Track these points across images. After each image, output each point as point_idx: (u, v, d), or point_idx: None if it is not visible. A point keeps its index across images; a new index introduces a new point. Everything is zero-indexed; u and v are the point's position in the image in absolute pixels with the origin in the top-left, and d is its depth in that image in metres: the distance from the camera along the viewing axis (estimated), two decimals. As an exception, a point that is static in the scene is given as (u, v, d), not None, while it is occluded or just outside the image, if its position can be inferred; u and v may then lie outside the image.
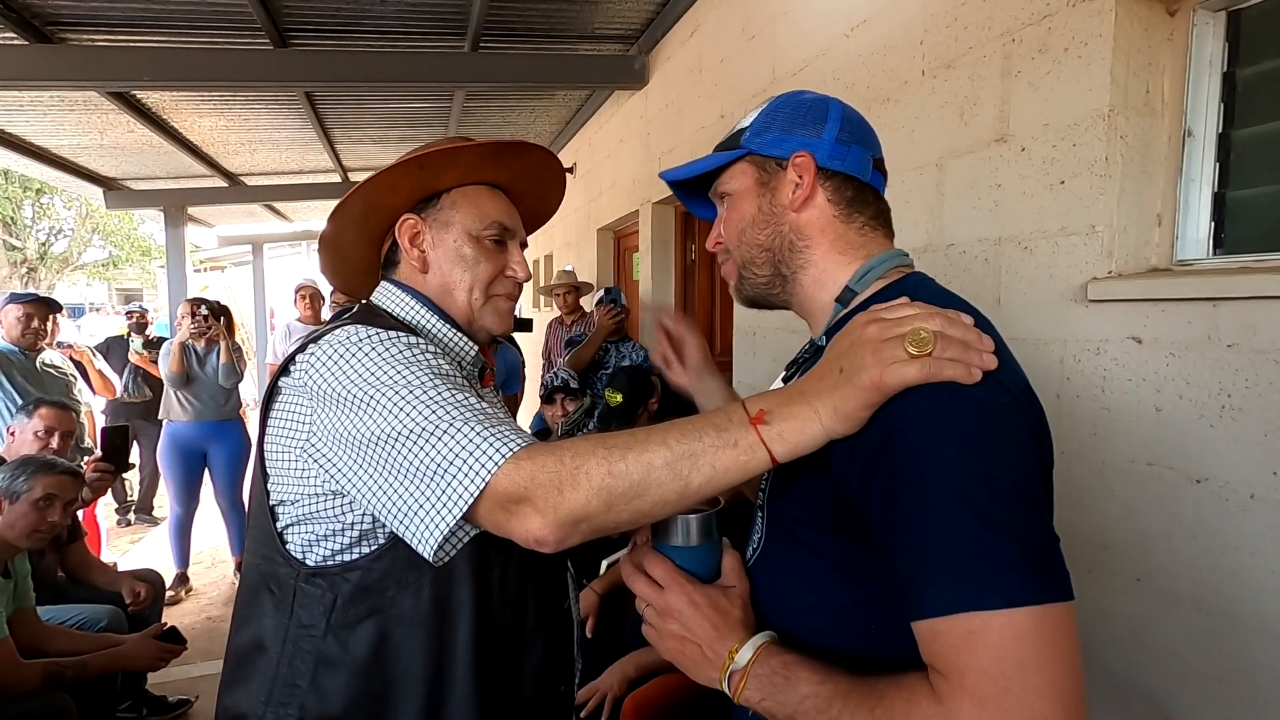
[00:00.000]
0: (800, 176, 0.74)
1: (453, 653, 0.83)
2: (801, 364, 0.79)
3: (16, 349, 3.32)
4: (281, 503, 0.82)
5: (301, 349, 0.83)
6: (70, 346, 3.94)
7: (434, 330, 0.93)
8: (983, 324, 0.64)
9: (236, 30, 3.18)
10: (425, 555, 0.70)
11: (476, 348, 0.95)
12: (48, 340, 3.62)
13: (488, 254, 0.94)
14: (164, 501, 4.81)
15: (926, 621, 0.56)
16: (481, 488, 0.66)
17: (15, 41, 2.96)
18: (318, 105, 4.31)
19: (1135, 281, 1.29)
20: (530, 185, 1.01)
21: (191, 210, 6.84)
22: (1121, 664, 1.32)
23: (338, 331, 0.81)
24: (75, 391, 3.54)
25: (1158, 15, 1.34)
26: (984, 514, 0.54)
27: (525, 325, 3.57)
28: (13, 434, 2.70)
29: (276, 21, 3.10)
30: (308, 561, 0.83)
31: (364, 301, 0.98)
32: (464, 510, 0.67)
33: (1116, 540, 1.32)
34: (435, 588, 0.82)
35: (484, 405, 0.74)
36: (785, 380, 0.82)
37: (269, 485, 0.83)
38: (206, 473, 3.94)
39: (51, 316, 3.46)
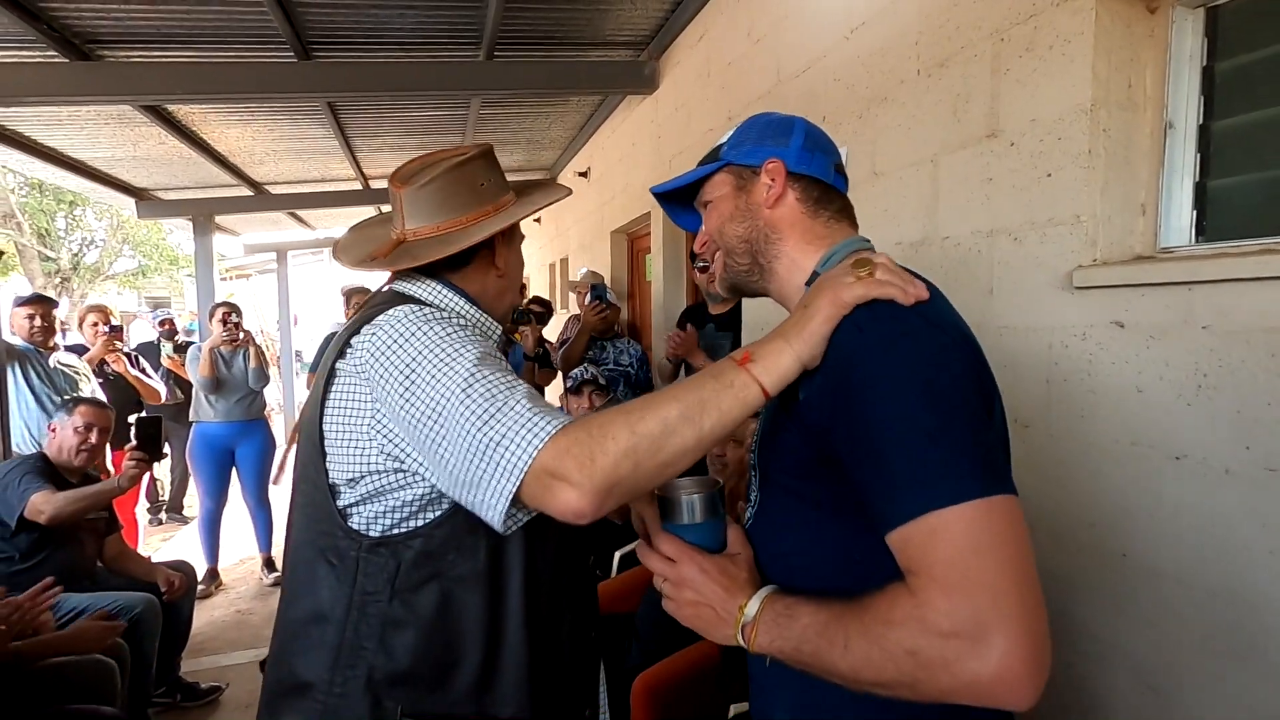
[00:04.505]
0: (772, 179, 0.86)
1: (506, 608, 0.90)
2: None
3: (33, 347, 3.51)
4: (344, 482, 0.87)
5: (355, 332, 0.89)
6: (114, 351, 4.08)
7: (470, 315, 1.00)
8: (927, 284, 0.75)
9: (262, 44, 3.32)
10: (495, 526, 0.75)
11: (500, 328, 1.05)
12: (104, 341, 3.84)
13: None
14: (193, 501, 4.97)
15: (896, 531, 0.64)
16: (529, 464, 0.71)
17: (57, 59, 3.12)
18: (339, 115, 4.45)
19: (1117, 268, 1.35)
20: None
21: (218, 219, 7.05)
22: (1109, 635, 1.37)
23: (391, 313, 0.87)
24: (89, 391, 3.70)
25: (1138, 13, 1.39)
26: (929, 432, 0.64)
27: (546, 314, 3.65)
28: (54, 431, 2.84)
29: (300, 35, 3.23)
30: (370, 534, 0.88)
31: (397, 291, 1.01)
32: (519, 481, 0.71)
33: (1103, 518, 1.37)
34: (490, 551, 0.89)
35: (527, 386, 0.80)
36: None
37: (328, 464, 0.88)
38: (234, 472, 4.08)
39: (52, 312, 3.63)
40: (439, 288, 0.99)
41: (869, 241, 0.87)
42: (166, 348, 4.98)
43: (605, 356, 3.49)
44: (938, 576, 0.60)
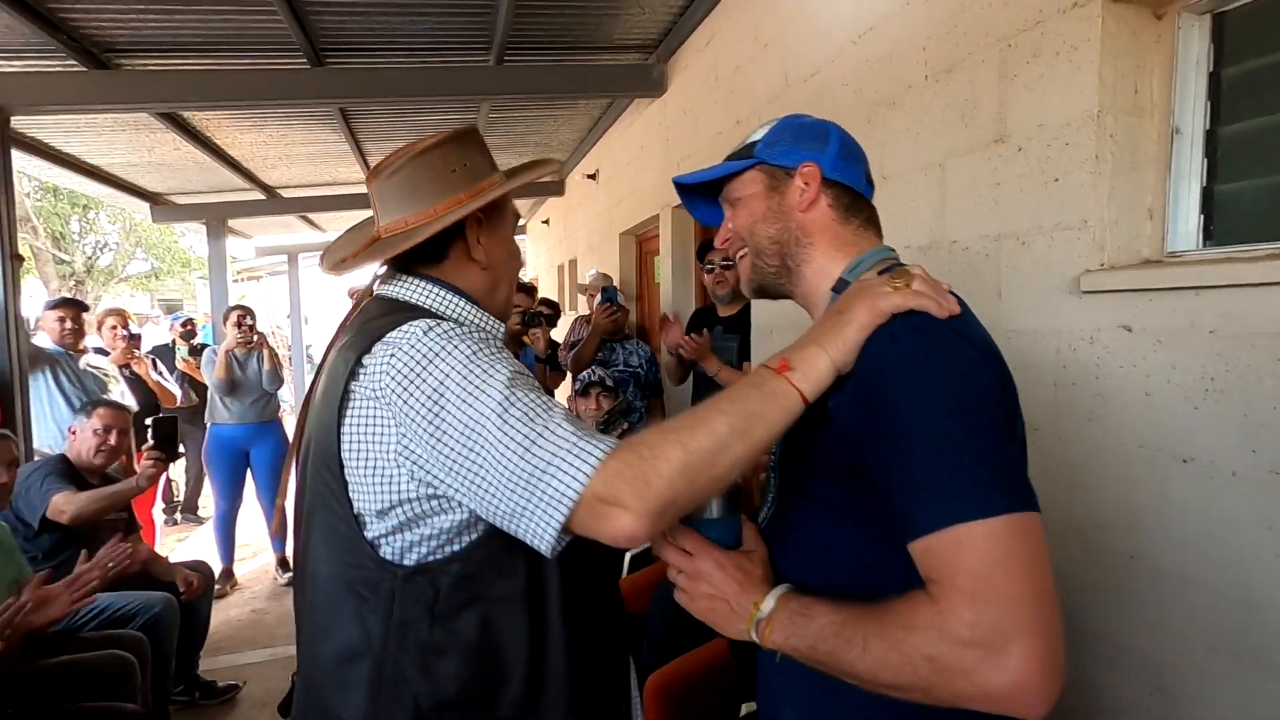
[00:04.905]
0: (806, 183, 0.86)
1: (548, 621, 0.87)
2: None
3: (63, 350, 3.59)
4: (373, 512, 0.82)
5: (366, 351, 0.82)
6: (135, 358, 4.17)
7: (471, 318, 0.94)
8: (957, 299, 0.76)
9: (276, 52, 3.37)
10: (543, 552, 0.72)
11: (503, 326, 1.00)
12: (122, 345, 3.90)
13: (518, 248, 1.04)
14: (208, 501, 5.03)
15: (920, 540, 0.66)
16: (580, 491, 0.68)
17: (76, 68, 3.18)
18: (351, 120, 4.50)
19: (1124, 273, 1.36)
20: None
21: (230, 222, 7.13)
22: (1118, 635, 1.38)
23: (406, 330, 0.81)
24: (118, 393, 3.78)
25: (1145, 19, 1.40)
26: (959, 445, 0.65)
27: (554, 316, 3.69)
28: (74, 433, 2.89)
29: (314, 42, 3.28)
30: (405, 563, 0.83)
31: (387, 299, 0.94)
32: (570, 508, 0.69)
33: (1110, 519, 1.38)
34: (529, 567, 0.86)
35: (564, 406, 0.78)
36: None
37: (350, 494, 0.83)
38: (248, 473, 4.14)
39: (82, 315, 3.73)
40: (427, 287, 0.93)
41: (894, 250, 0.88)
42: (182, 350, 5.05)
43: (615, 358, 3.51)
44: (960, 586, 0.62)
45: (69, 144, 4.56)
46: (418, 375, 0.78)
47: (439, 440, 0.75)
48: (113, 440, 2.79)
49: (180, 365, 4.98)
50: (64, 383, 3.52)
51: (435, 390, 0.76)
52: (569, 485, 0.69)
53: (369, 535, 0.83)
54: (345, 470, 0.83)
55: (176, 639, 2.56)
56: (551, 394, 4.07)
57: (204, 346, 4.85)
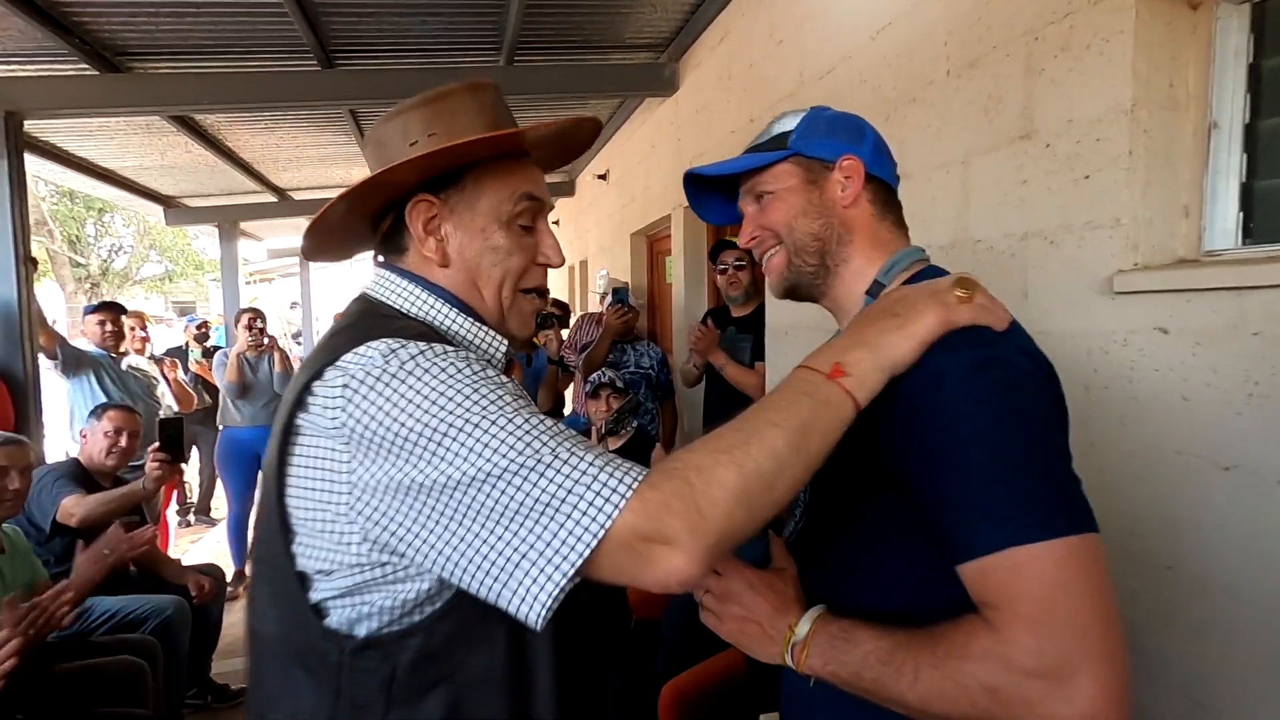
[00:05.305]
0: (848, 177, 0.82)
1: (534, 705, 0.74)
2: None
3: (105, 353, 3.65)
4: (315, 572, 0.69)
5: (317, 376, 0.68)
6: (163, 360, 4.22)
7: (463, 332, 0.80)
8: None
9: (287, 54, 3.36)
10: (530, 619, 0.58)
11: (506, 343, 0.84)
12: (139, 347, 3.94)
13: (519, 241, 0.81)
14: (220, 503, 5.04)
15: (974, 562, 0.61)
16: (606, 527, 0.56)
17: (88, 72, 3.18)
18: (361, 121, 4.50)
19: (1160, 273, 1.31)
20: (556, 147, 0.89)
21: (242, 225, 7.16)
22: (1154, 647, 1.33)
23: (362, 353, 0.67)
24: (158, 394, 3.81)
25: (1180, 10, 1.35)
26: (1015, 462, 0.61)
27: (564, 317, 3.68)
28: (85, 437, 2.90)
29: (324, 44, 3.27)
30: (356, 634, 0.69)
31: (368, 298, 0.81)
32: (587, 554, 0.56)
33: (1146, 528, 1.33)
34: (511, 641, 0.72)
35: (572, 431, 0.64)
36: None
37: (294, 547, 0.69)
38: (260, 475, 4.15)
39: (121, 318, 3.79)
40: (403, 285, 0.79)
41: (925, 252, 0.84)
42: (195, 352, 5.07)
43: (626, 359, 3.49)
44: (1022, 613, 0.59)
45: (82, 148, 4.59)
46: (376, 408, 0.63)
47: (400, 479, 0.62)
48: (123, 442, 2.79)
49: (193, 367, 5.01)
50: (108, 385, 3.58)
51: (399, 425, 0.62)
52: (591, 520, 0.56)
53: (314, 598, 0.69)
54: (291, 518, 0.69)
55: (188, 642, 2.55)
56: (561, 396, 4.08)
57: (217, 349, 4.87)
